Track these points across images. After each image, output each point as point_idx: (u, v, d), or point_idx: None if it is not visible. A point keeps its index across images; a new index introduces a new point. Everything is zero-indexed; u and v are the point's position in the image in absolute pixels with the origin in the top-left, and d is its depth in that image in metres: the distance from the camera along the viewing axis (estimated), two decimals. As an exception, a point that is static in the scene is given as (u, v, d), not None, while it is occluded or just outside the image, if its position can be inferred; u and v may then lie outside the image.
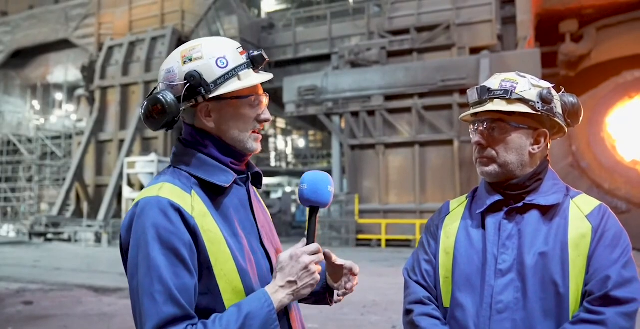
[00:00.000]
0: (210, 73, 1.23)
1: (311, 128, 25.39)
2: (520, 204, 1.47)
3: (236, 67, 1.25)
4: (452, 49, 16.83)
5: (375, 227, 16.09)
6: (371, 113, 16.83)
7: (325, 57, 19.53)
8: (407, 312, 1.56)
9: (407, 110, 16.45)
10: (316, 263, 1.25)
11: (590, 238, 1.40)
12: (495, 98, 1.45)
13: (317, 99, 17.32)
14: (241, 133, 1.30)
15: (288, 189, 28.98)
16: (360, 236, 16.13)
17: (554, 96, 1.46)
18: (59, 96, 28.40)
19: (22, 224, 21.24)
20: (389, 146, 16.57)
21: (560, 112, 1.47)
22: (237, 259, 1.24)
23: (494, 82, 1.48)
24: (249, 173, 1.38)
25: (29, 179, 26.26)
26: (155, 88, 1.32)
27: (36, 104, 28.70)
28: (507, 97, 1.43)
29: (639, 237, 13.16)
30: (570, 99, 1.49)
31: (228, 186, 1.29)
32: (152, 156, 18.21)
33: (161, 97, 1.21)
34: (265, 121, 1.33)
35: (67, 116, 26.91)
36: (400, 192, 16.38)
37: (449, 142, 15.72)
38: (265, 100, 1.34)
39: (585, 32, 19.39)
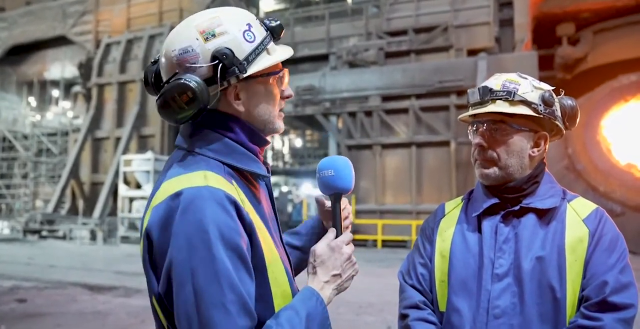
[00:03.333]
0: (240, 49, 1.08)
1: (308, 128, 25.38)
2: (517, 208, 1.46)
3: (263, 40, 1.12)
4: (450, 50, 16.83)
5: (372, 228, 16.09)
6: (368, 113, 16.82)
7: (323, 57, 19.50)
8: (403, 317, 1.55)
9: (404, 111, 16.45)
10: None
11: (587, 242, 1.39)
12: (497, 99, 1.44)
13: (315, 99, 17.31)
14: (271, 113, 1.17)
15: (284, 189, 28.94)
16: (357, 236, 16.09)
17: (554, 98, 1.45)
18: (55, 92, 28.28)
19: (17, 221, 21.14)
20: (385, 146, 16.57)
21: (560, 115, 1.47)
22: (283, 260, 1.14)
23: (496, 83, 1.46)
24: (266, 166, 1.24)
25: (24, 176, 26.16)
26: (149, 69, 1.16)
27: (32, 100, 28.57)
28: (510, 98, 1.42)
29: (634, 240, 13.27)
30: (569, 102, 1.49)
31: (269, 176, 1.18)
32: (149, 154, 18.16)
33: (189, 83, 1.03)
34: (289, 96, 1.22)
35: (64, 112, 26.79)
36: (396, 193, 16.38)
37: (446, 143, 15.73)
38: (287, 74, 1.21)
39: (582, 36, 19.43)
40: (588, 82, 17.78)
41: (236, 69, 1.07)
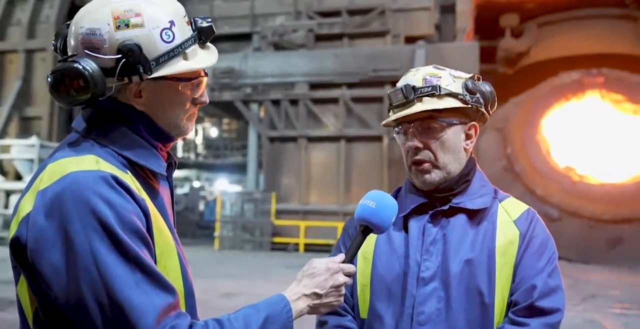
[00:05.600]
0: (152, 48, 1.10)
1: (225, 116, 25.06)
2: (446, 207, 1.53)
3: (183, 43, 1.14)
4: (386, 36, 17.14)
5: (293, 230, 16.16)
6: (294, 102, 16.85)
7: (245, 37, 19.29)
8: (320, 324, 1.59)
9: (334, 101, 16.61)
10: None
11: (518, 245, 1.48)
12: (423, 96, 1.49)
13: (234, 84, 17.11)
14: (177, 117, 1.21)
15: (196, 184, 28.47)
16: (276, 239, 16.13)
17: (476, 85, 1.53)
18: None
19: None
20: (312, 139, 16.66)
21: (483, 102, 1.55)
22: (180, 256, 1.19)
23: (416, 79, 1.52)
24: (171, 162, 1.29)
25: None
26: (61, 31, 1.16)
27: None
28: (437, 93, 1.48)
29: (570, 246, 14.16)
30: (488, 87, 1.56)
31: (165, 174, 1.23)
32: (33, 140, 17.25)
33: (84, 70, 1.05)
34: (203, 103, 1.25)
35: None
36: (322, 192, 16.53)
37: (378, 138, 16.03)
38: (205, 80, 1.25)
39: (526, 28, 20.41)
40: (530, 78, 18.73)
41: (141, 68, 1.08)
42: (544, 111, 17.19)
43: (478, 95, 1.52)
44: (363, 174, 16.14)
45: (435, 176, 1.53)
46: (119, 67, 1.07)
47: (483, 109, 1.54)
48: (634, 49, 19.15)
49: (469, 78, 1.54)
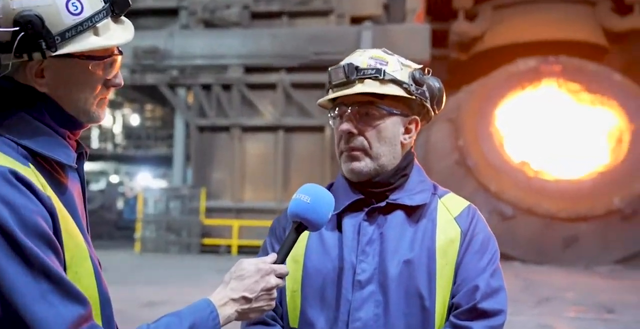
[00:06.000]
0: (57, 20, 1.07)
1: (148, 101, 24.62)
2: (383, 204, 1.56)
3: (93, 16, 1.11)
4: (330, 15, 17.21)
5: (226, 230, 16.07)
6: (227, 87, 16.73)
7: (172, 12, 18.97)
8: None
9: (272, 87, 16.60)
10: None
11: (459, 244, 1.53)
12: (365, 78, 1.52)
13: (158, 65, 16.83)
14: (87, 101, 1.18)
15: (114, 179, 27.85)
16: (207, 241, 16.02)
17: (424, 78, 1.57)
18: None
19: None
20: (247, 129, 16.61)
21: (428, 97, 1.59)
22: (93, 260, 1.17)
23: (361, 60, 1.55)
24: (82, 152, 1.26)
25: None
26: None
27: None
28: (380, 77, 1.51)
29: (524, 246, 14.58)
30: (436, 83, 1.62)
31: (75, 166, 1.19)
32: None
33: None
34: (117, 86, 1.24)
35: None
36: (258, 187, 16.50)
37: (320, 128, 16.13)
38: (120, 59, 1.23)
39: (480, 10, 20.91)
40: (484, 65, 19.19)
41: (43, 43, 1.06)
42: (498, 100, 17.61)
43: (425, 88, 1.55)
44: (303, 167, 16.20)
45: (364, 165, 1.54)
46: (16, 41, 1.04)
47: (428, 105, 1.57)
48: (593, 36, 19.94)
49: (418, 69, 1.56)
